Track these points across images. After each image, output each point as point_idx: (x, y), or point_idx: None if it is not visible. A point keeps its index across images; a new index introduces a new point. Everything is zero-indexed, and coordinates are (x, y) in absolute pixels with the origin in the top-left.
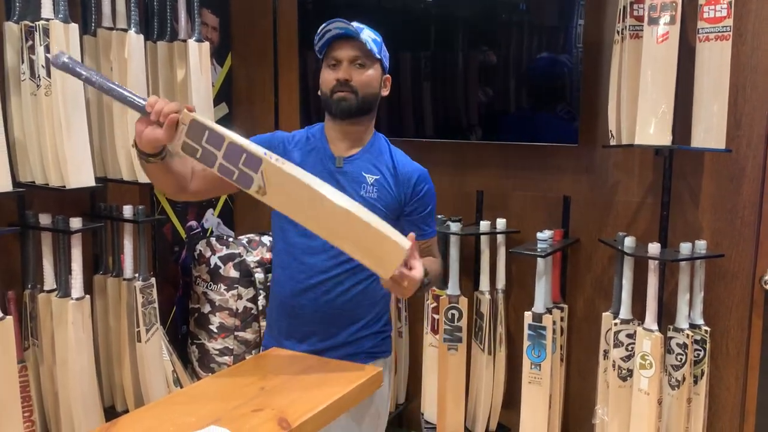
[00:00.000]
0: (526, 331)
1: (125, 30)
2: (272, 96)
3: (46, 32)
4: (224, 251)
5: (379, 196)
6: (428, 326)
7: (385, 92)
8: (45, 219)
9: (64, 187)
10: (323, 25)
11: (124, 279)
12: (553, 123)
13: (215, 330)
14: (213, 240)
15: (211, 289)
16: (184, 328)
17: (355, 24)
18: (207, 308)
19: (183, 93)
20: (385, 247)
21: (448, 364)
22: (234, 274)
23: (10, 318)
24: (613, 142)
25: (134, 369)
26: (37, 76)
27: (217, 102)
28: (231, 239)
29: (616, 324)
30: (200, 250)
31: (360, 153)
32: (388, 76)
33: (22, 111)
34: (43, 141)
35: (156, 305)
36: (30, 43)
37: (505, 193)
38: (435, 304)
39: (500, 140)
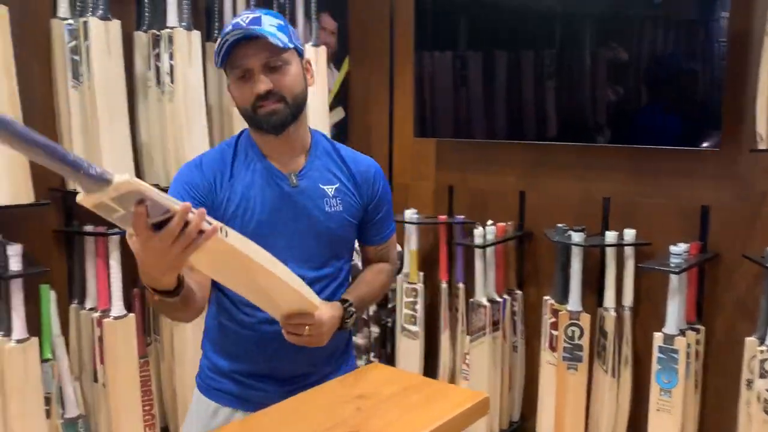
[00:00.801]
0: (656, 354)
1: None
2: (387, 100)
3: (170, 40)
4: None
5: (344, 206)
6: (546, 342)
7: (312, 80)
8: None
9: None
10: (226, 30)
11: None
12: (691, 125)
13: None
14: None
15: None
16: None
17: (250, 16)
18: None
19: None
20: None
21: (567, 384)
22: None
23: (132, 315)
24: (762, 146)
25: None
26: (162, 82)
27: (333, 106)
28: None
29: (762, 351)
30: None
31: (309, 162)
32: (307, 59)
33: (148, 116)
34: (166, 145)
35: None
36: (156, 51)
37: (634, 201)
38: (553, 319)
39: (631, 143)
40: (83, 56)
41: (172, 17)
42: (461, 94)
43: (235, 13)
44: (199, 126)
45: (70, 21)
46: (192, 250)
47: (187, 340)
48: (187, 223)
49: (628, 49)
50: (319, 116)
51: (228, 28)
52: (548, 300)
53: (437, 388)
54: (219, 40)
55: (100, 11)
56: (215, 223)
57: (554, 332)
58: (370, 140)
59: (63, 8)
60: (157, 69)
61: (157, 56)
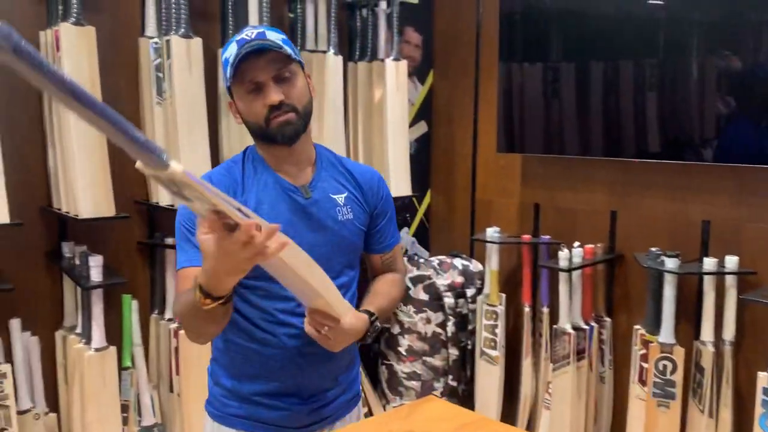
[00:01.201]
0: (760, 396)
1: (325, 52)
2: (472, 113)
3: None
4: (414, 272)
5: (354, 214)
6: (635, 375)
7: (314, 92)
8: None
9: None
10: (229, 48)
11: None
12: None
13: (404, 352)
14: (404, 259)
15: (402, 310)
16: (375, 347)
17: (254, 31)
18: (397, 329)
19: (379, 113)
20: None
21: (658, 422)
22: (423, 296)
23: None
24: None
25: None
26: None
27: (416, 121)
28: (422, 260)
29: None
30: None
31: (317, 174)
32: (308, 72)
33: (230, 132)
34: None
35: None
36: None
37: (737, 226)
38: (644, 351)
39: (738, 162)
40: (166, 73)
41: None
42: (551, 108)
43: (316, 29)
44: None
45: (156, 39)
46: (261, 260)
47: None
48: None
49: (742, 57)
50: (399, 130)
51: (233, 46)
52: (639, 329)
53: (493, 427)
54: (225, 57)
55: (182, 30)
56: (283, 238)
57: (644, 365)
58: (453, 155)
59: (150, 27)
60: None
61: None
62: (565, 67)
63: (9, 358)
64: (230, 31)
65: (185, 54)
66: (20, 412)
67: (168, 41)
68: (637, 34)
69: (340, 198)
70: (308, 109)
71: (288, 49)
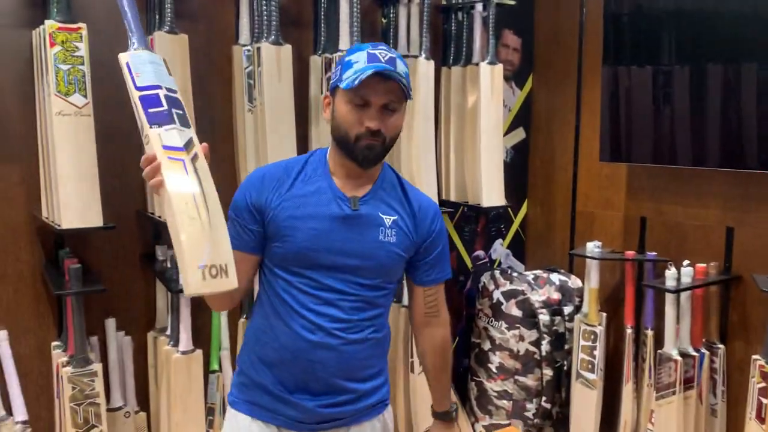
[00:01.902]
0: None
1: (417, 56)
2: (573, 119)
3: None
4: (507, 286)
5: (398, 240)
6: (753, 411)
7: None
8: None
9: None
10: (356, 54)
11: (403, 306)
12: None
13: (495, 370)
14: (497, 273)
15: (493, 326)
16: (465, 362)
17: (387, 55)
18: (487, 345)
19: (472, 119)
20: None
21: None
22: (516, 312)
23: None
24: None
25: (407, 399)
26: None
27: (513, 127)
28: (516, 274)
29: None
30: (484, 283)
31: (373, 190)
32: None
33: (320, 139)
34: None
35: None
36: (328, 74)
37: None
38: (763, 384)
39: None
40: (256, 80)
41: (344, 40)
42: (661, 114)
43: (408, 34)
44: None
45: (248, 47)
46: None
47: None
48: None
49: None
50: (493, 137)
51: (362, 55)
52: (758, 360)
53: None
54: (349, 59)
55: (273, 37)
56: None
57: (764, 400)
58: (553, 163)
59: (244, 35)
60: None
61: (329, 80)
62: (678, 71)
63: (104, 357)
64: (322, 38)
65: (275, 61)
66: (111, 410)
67: (258, 48)
68: (761, 32)
69: (388, 219)
70: (393, 142)
71: (407, 84)
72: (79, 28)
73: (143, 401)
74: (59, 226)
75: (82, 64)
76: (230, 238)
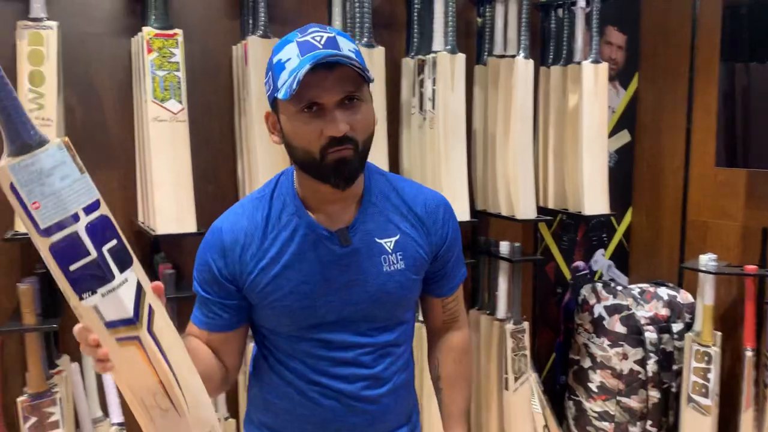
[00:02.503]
0: None
1: (514, 56)
2: (684, 121)
3: (434, 65)
4: (610, 300)
5: (408, 262)
6: None
7: (376, 121)
8: None
9: None
10: (285, 50)
11: (497, 319)
12: None
13: (595, 389)
14: (599, 286)
15: (593, 342)
16: (562, 379)
17: (324, 35)
18: (587, 362)
19: (574, 121)
20: None
21: None
22: (620, 329)
23: None
24: None
25: (500, 417)
26: (423, 109)
27: (617, 130)
28: (620, 288)
29: None
30: (584, 296)
31: (361, 212)
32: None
33: (410, 143)
34: (425, 174)
35: (527, 352)
36: (421, 77)
37: None
38: None
39: None
40: None
41: (438, 41)
42: None
43: (505, 33)
44: (458, 155)
45: None
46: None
47: None
48: None
49: None
50: (595, 140)
51: (292, 48)
52: None
53: None
54: (279, 60)
55: (365, 39)
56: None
57: None
58: (661, 169)
59: None
60: (421, 95)
61: (421, 82)
62: None
63: None
64: (415, 40)
65: (367, 64)
66: None
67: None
68: None
69: (389, 243)
70: (369, 144)
71: (358, 63)
72: (175, 34)
73: (233, 408)
74: (154, 231)
75: (178, 70)
76: (204, 320)
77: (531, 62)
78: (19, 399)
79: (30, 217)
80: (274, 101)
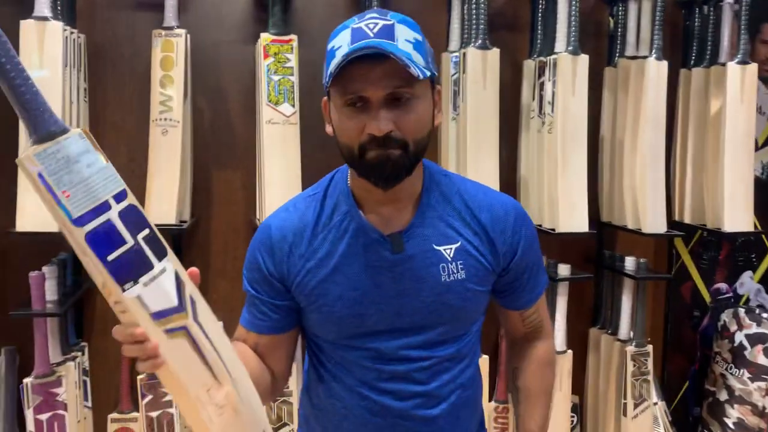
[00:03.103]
0: None
1: (645, 57)
2: None
3: (554, 66)
4: (754, 328)
5: (468, 272)
6: None
7: (439, 117)
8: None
9: (554, 230)
10: (339, 36)
11: (618, 339)
12: None
13: (732, 426)
14: (741, 311)
15: (732, 373)
16: (696, 411)
17: (380, 23)
18: (724, 395)
19: (716, 127)
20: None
21: None
22: (764, 361)
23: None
24: None
25: None
26: (542, 112)
27: None
28: (766, 315)
29: None
30: (725, 321)
31: (419, 215)
32: (438, 88)
33: (528, 148)
34: (542, 179)
35: (650, 378)
36: (541, 79)
37: None
38: None
39: None
40: (461, 87)
41: (560, 42)
42: None
43: (638, 34)
44: (577, 161)
45: (456, 53)
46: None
47: None
48: None
49: None
50: (741, 149)
51: (345, 35)
52: None
53: None
54: (332, 47)
55: (480, 41)
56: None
57: None
58: None
59: (454, 42)
60: (541, 98)
61: (542, 85)
62: None
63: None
64: (538, 42)
65: (480, 66)
66: None
67: (464, 54)
68: None
69: (449, 250)
70: (422, 145)
71: (416, 63)
72: (290, 40)
73: None
74: None
75: (292, 74)
76: (253, 321)
77: (664, 64)
78: (139, 377)
79: (61, 206)
80: (328, 91)
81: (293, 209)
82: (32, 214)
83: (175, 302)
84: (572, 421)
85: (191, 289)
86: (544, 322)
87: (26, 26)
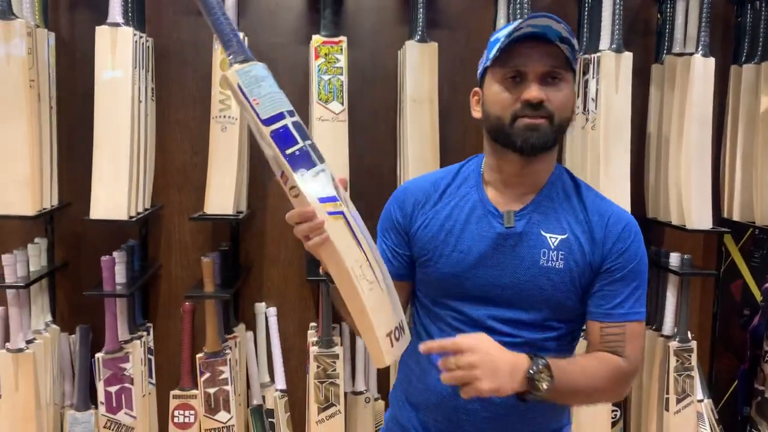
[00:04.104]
0: None
1: (692, 54)
2: None
3: (598, 64)
4: None
5: (567, 264)
6: None
7: (575, 113)
8: None
9: None
10: (504, 30)
11: (662, 335)
12: None
13: None
14: None
15: None
16: (745, 410)
17: (542, 17)
18: None
19: (766, 123)
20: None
21: None
22: None
23: None
24: None
25: None
26: (587, 109)
27: None
28: None
29: None
30: None
31: (535, 201)
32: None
33: (573, 144)
34: (585, 176)
35: (694, 374)
36: (585, 77)
37: None
38: None
39: None
40: None
41: (604, 40)
42: None
43: (686, 30)
44: (620, 158)
45: None
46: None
47: None
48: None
49: None
50: None
51: (508, 28)
52: None
53: None
54: (495, 37)
55: None
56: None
57: None
58: None
59: None
60: (585, 95)
61: (586, 82)
62: None
63: (353, 343)
64: (584, 40)
65: None
66: (354, 393)
67: None
68: None
69: (554, 239)
70: (566, 124)
71: (571, 49)
72: (340, 41)
73: (384, 390)
74: None
75: (341, 74)
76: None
77: (711, 60)
78: (198, 355)
79: (254, 110)
80: (483, 75)
81: (429, 176)
82: (105, 203)
83: (334, 193)
84: (615, 416)
85: (342, 191)
86: (624, 349)
87: (101, 31)
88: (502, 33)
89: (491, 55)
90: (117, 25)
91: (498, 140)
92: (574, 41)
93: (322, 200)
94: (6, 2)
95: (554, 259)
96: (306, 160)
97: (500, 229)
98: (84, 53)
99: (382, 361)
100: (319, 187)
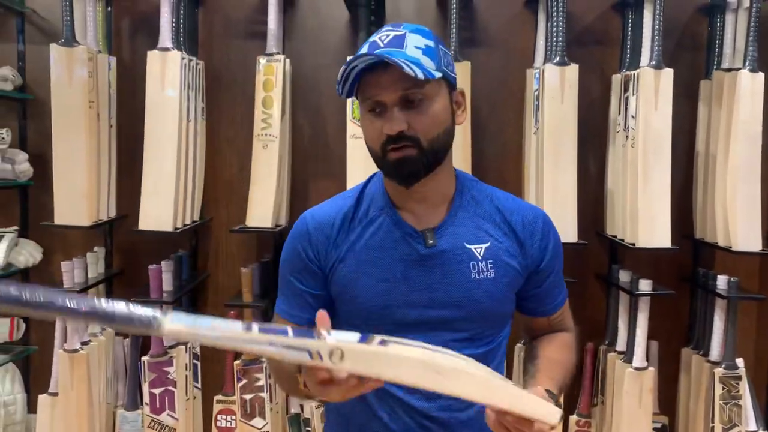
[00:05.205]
0: None
1: (739, 69)
2: None
3: (638, 80)
4: None
5: (498, 272)
6: None
7: (462, 116)
8: (625, 276)
9: (634, 244)
10: (349, 59)
11: (708, 361)
12: None
13: None
14: None
15: None
16: None
17: (392, 34)
18: None
19: None
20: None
21: None
22: None
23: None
24: None
25: None
26: (627, 126)
27: None
28: None
29: None
30: None
31: (451, 214)
32: (460, 90)
33: (615, 162)
34: (625, 193)
35: (743, 402)
36: (626, 93)
37: None
38: None
39: None
40: (541, 101)
41: (645, 56)
42: None
43: (735, 45)
44: (659, 176)
45: (538, 69)
46: (364, 389)
47: (622, 412)
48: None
49: None
50: None
51: (362, 48)
52: None
53: None
54: (346, 64)
55: (558, 58)
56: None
57: None
58: None
59: (539, 57)
60: (626, 112)
61: (627, 99)
62: None
63: None
64: (627, 55)
65: (558, 82)
66: None
67: (543, 70)
68: None
69: (479, 249)
70: (438, 144)
71: (423, 67)
72: None
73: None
74: None
75: None
76: (293, 312)
77: (760, 75)
78: (236, 362)
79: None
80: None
81: (330, 204)
82: (152, 216)
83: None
84: None
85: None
86: (567, 323)
87: (152, 56)
88: (356, 54)
89: (342, 89)
90: (167, 49)
91: (381, 170)
92: (432, 44)
93: (362, 339)
94: (70, 31)
95: (485, 269)
96: (311, 334)
97: (423, 250)
98: (142, 76)
99: (553, 417)
100: (344, 336)
